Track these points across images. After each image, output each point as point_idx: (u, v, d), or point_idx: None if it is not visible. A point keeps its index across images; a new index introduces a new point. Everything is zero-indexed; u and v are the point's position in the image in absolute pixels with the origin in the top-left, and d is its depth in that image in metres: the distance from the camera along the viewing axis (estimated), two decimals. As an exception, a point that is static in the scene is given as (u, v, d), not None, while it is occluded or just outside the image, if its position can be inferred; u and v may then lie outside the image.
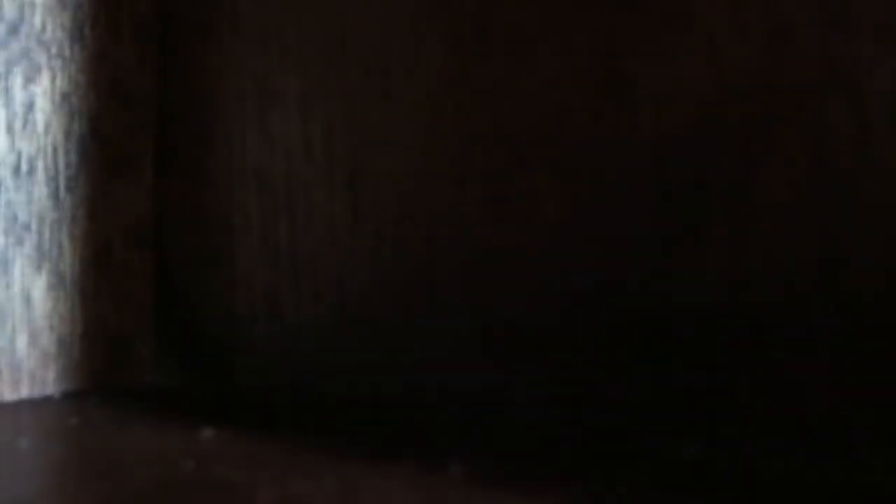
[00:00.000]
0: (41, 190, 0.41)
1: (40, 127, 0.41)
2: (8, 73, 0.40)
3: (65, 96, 0.42)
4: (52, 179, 0.41)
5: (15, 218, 0.40)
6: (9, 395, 0.40)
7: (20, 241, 0.40)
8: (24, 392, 0.40)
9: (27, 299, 0.40)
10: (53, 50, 0.41)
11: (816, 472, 0.28)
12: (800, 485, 0.27)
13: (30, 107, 0.40)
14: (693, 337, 0.31)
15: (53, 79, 0.41)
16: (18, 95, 0.40)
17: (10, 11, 0.40)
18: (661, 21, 0.32)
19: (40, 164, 0.41)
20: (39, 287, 0.41)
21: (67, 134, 0.42)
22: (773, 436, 0.30)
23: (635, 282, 0.32)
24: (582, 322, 0.34)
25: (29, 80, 0.40)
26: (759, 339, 0.30)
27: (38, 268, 0.41)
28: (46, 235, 0.41)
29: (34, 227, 0.41)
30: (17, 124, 0.40)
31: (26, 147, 0.40)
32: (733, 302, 0.31)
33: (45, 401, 0.40)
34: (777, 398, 0.30)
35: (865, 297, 0.28)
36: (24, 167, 0.40)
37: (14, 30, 0.40)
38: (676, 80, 0.32)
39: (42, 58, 0.41)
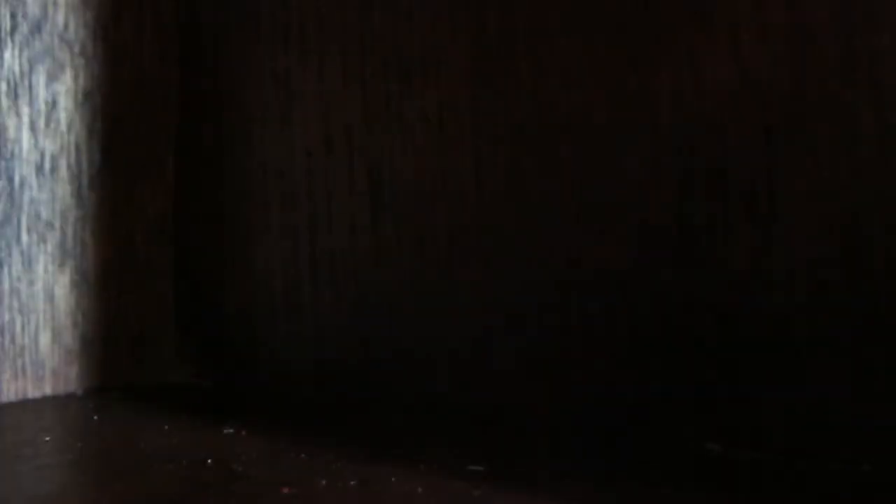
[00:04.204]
0: (64, 188, 0.41)
1: (63, 125, 0.41)
2: (31, 71, 0.40)
3: (87, 95, 0.42)
4: (75, 177, 0.42)
5: (38, 216, 0.40)
6: (32, 392, 0.40)
7: (43, 239, 0.40)
8: (48, 389, 0.41)
9: (50, 297, 0.41)
10: (76, 48, 0.42)
11: (838, 470, 0.28)
12: (821, 484, 0.27)
13: (53, 105, 0.41)
14: (715, 333, 0.31)
15: (76, 77, 0.42)
16: (41, 94, 0.40)
17: (33, 9, 0.40)
18: (682, 18, 0.32)
19: (63, 163, 0.41)
20: (62, 285, 0.41)
21: (90, 132, 0.42)
22: (796, 434, 0.30)
23: (657, 278, 0.32)
24: (603, 318, 0.33)
25: (52, 78, 0.41)
26: (782, 335, 0.30)
27: (62, 265, 0.41)
28: (69, 233, 0.41)
29: (57, 224, 0.41)
30: (41, 122, 0.40)
31: (49, 145, 0.41)
32: (755, 297, 0.30)
33: (68, 398, 0.40)
34: (799, 396, 0.30)
35: (889, 293, 0.28)
36: (47, 165, 0.40)
37: (37, 28, 0.40)
38: (698, 77, 0.31)
39: (65, 56, 0.41)
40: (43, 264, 0.40)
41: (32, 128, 0.40)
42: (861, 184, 0.29)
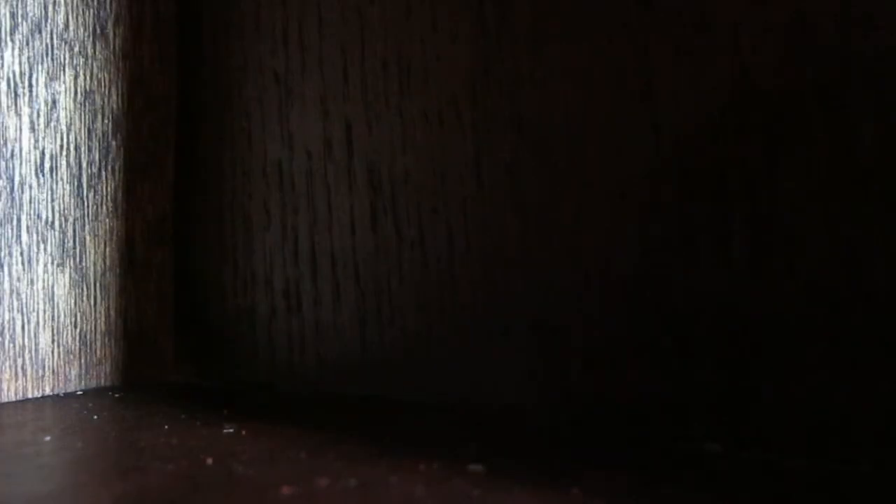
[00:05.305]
0: (64, 188, 0.41)
1: (63, 125, 0.41)
2: (31, 71, 0.40)
3: (87, 94, 0.42)
4: (75, 177, 0.42)
5: (38, 216, 0.40)
6: (32, 392, 0.40)
7: (43, 239, 0.40)
8: (48, 389, 0.41)
9: (50, 297, 0.41)
10: (76, 48, 0.42)
11: (838, 470, 0.28)
12: (821, 483, 0.27)
13: (52, 105, 0.41)
14: (715, 333, 0.31)
15: (76, 77, 0.42)
16: (41, 94, 0.40)
17: (33, 9, 0.40)
18: (682, 18, 0.32)
19: (63, 162, 0.41)
20: (62, 285, 0.41)
21: (90, 132, 0.42)
22: (796, 434, 0.30)
23: (656, 279, 0.32)
24: (603, 318, 0.33)
25: (52, 78, 0.41)
26: (783, 336, 0.30)
27: (62, 265, 0.41)
28: (69, 233, 0.41)
29: (57, 224, 0.41)
30: (40, 122, 0.40)
31: (49, 145, 0.41)
32: (755, 299, 0.30)
33: (68, 397, 0.40)
34: (800, 396, 0.30)
35: (889, 293, 0.28)
36: (47, 165, 0.40)
37: (37, 28, 0.40)
38: (698, 78, 0.32)
39: (65, 56, 0.41)
40: (43, 264, 0.40)
41: (32, 128, 0.40)
42: (861, 184, 0.29)
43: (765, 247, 0.30)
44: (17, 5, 0.39)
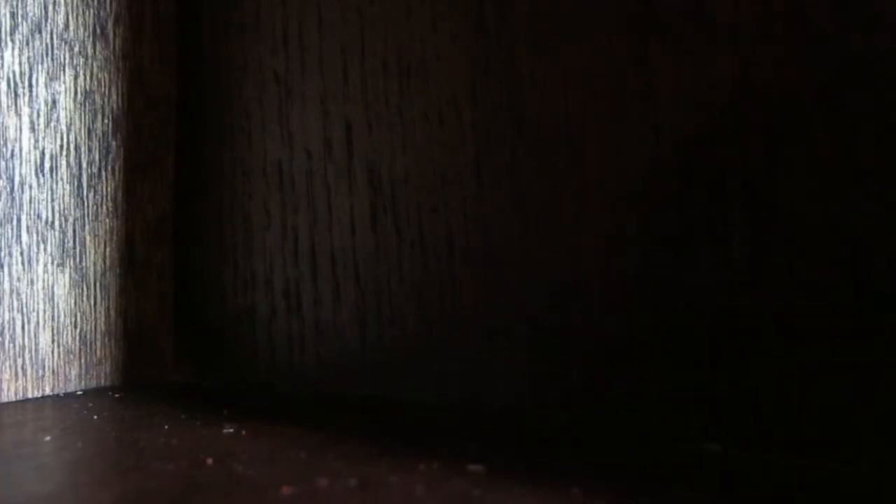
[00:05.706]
0: (64, 188, 0.41)
1: (63, 125, 0.41)
2: (31, 71, 0.40)
3: (87, 94, 0.42)
4: (75, 177, 0.42)
5: (38, 216, 0.40)
6: (32, 392, 0.40)
7: (43, 239, 0.40)
8: (48, 389, 0.41)
9: (50, 297, 0.41)
10: (76, 48, 0.42)
11: (838, 470, 0.28)
12: (821, 483, 0.27)
13: (52, 105, 0.41)
14: (715, 333, 0.31)
15: (76, 77, 0.42)
16: (41, 94, 0.40)
17: (33, 9, 0.40)
18: (682, 18, 0.32)
19: (63, 162, 0.41)
20: (62, 284, 0.41)
21: (90, 132, 0.42)
22: (796, 434, 0.30)
23: (656, 280, 0.32)
24: (603, 318, 0.33)
25: (52, 78, 0.41)
26: (782, 337, 0.30)
27: (62, 265, 0.41)
28: (69, 233, 0.41)
29: (57, 224, 0.41)
30: (40, 122, 0.40)
31: (49, 145, 0.41)
32: (755, 297, 0.30)
33: (68, 397, 0.40)
34: (800, 396, 0.30)
35: (889, 293, 0.28)
36: (47, 165, 0.40)
37: (37, 28, 0.40)
38: (699, 78, 0.32)
39: (65, 56, 0.41)
40: (43, 264, 0.40)
41: (32, 128, 0.40)
42: (861, 185, 0.29)
43: (765, 247, 0.30)
44: (17, 5, 0.39)
